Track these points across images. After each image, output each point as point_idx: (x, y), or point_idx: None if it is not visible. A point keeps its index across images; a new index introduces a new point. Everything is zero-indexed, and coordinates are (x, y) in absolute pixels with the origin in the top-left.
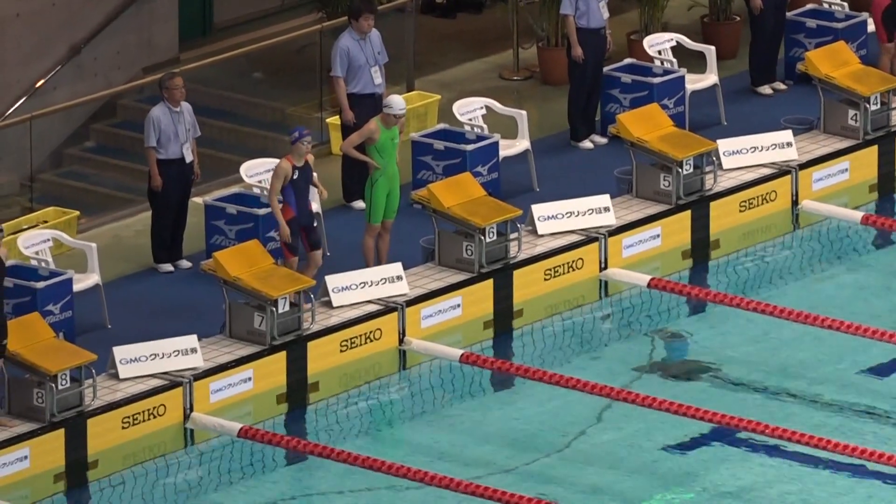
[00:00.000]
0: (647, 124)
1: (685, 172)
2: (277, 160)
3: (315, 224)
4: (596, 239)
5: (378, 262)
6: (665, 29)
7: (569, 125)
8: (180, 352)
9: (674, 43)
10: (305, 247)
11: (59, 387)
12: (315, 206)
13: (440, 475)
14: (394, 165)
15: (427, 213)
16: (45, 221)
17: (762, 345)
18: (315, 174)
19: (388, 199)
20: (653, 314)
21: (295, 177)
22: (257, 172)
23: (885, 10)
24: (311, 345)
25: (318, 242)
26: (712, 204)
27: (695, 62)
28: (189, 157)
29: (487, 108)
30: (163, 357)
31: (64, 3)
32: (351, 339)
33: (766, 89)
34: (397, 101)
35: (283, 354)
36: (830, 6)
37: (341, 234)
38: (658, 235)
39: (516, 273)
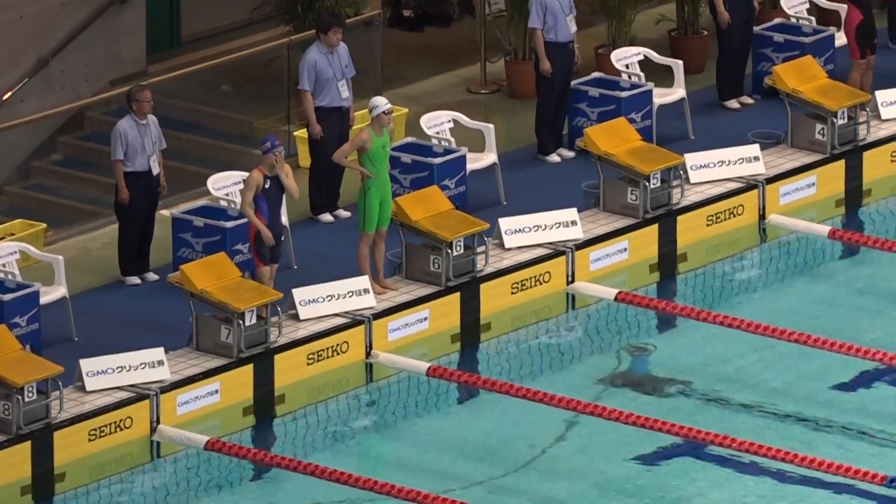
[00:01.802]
0: (614, 138)
1: (652, 186)
2: (245, 173)
3: (283, 238)
4: (563, 252)
5: (375, 271)
6: (633, 43)
7: (536, 139)
8: (147, 364)
9: (641, 57)
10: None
11: (26, 399)
12: (283, 220)
13: (407, 488)
14: (385, 173)
15: (394, 226)
16: (12, 234)
17: (729, 358)
18: (288, 168)
19: (382, 208)
20: (620, 328)
21: (267, 186)
22: (224, 185)
23: (857, 27)
24: (277, 358)
25: (278, 257)
26: (679, 218)
27: (662, 76)
28: (156, 170)
29: (455, 121)
30: (129, 369)
31: (32, 16)
32: (318, 352)
33: (733, 103)
34: (380, 99)
35: (249, 367)
36: (798, 21)
37: (308, 246)
38: (625, 249)
39: (483, 286)
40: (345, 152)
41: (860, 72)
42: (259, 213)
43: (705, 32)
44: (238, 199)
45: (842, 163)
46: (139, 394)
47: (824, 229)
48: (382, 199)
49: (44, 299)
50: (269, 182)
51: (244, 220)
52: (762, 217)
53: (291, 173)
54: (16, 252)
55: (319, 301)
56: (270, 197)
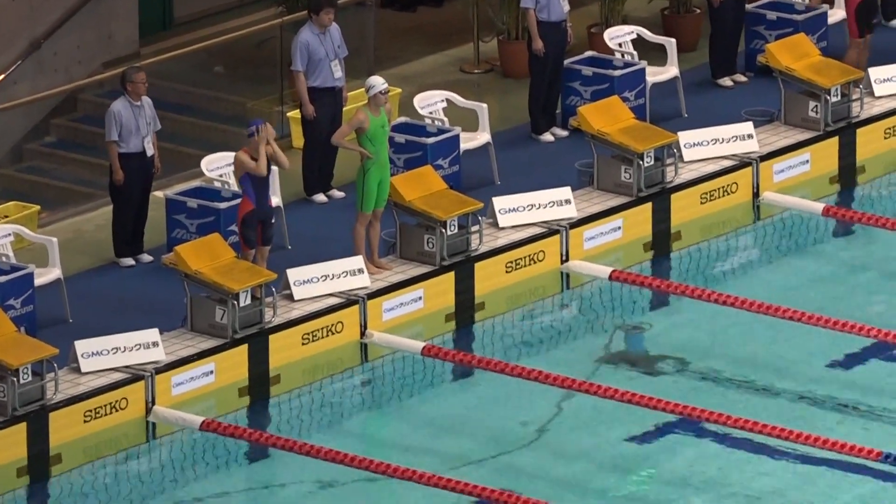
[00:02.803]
0: (607, 117)
1: (646, 165)
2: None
3: (273, 220)
4: (557, 231)
5: (370, 251)
6: (625, 22)
7: (529, 118)
8: (142, 345)
9: (634, 35)
10: (258, 240)
11: (21, 381)
12: (276, 201)
13: (402, 467)
14: (385, 153)
15: (388, 206)
16: (6, 216)
17: (723, 336)
18: (275, 141)
19: (380, 188)
20: (614, 306)
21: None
22: (218, 166)
23: (858, 6)
24: (272, 338)
25: (270, 239)
26: (673, 196)
27: (655, 55)
28: (150, 151)
29: (448, 101)
30: (124, 351)
31: None
32: (312, 332)
33: (726, 81)
34: (377, 79)
35: (244, 348)
36: None
37: (302, 227)
38: (619, 227)
39: (478, 266)
40: (343, 134)
41: (858, 50)
42: (246, 195)
43: (698, 11)
44: (232, 181)
45: (835, 140)
46: (134, 375)
47: (818, 206)
48: (381, 180)
49: (38, 281)
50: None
51: (238, 201)
52: (756, 195)
53: (275, 143)
54: (10, 234)
55: (314, 281)
56: (256, 181)
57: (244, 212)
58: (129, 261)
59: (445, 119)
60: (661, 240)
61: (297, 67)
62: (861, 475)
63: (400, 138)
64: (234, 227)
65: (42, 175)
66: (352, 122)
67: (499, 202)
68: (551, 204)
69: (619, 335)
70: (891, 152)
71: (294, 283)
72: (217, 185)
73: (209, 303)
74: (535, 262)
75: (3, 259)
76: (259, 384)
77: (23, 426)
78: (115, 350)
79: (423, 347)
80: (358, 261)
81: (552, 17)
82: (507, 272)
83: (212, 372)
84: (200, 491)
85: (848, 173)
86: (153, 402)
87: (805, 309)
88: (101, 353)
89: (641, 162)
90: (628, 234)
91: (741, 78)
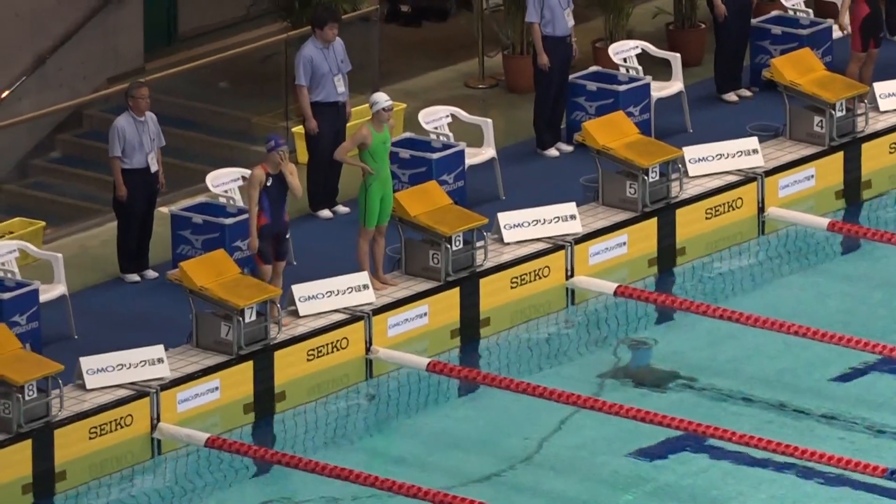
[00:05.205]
0: (612, 132)
1: (651, 180)
2: (242, 169)
3: (288, 236)
4: (562, 247)
5: (374, 267)
6: (630, 36)
7: (534, 133)
8: (147, 362)
9: (639, 50)
10: (272, 256)
11: (26, 398)
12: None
13: (408, 484)
14: (387, 169)
15: (393, 222)
16: (11, 232)
17: (729, 352)
18: (293, 167)
19: (382, 203)
20: (619, 322)
21: (269, 184)
22: (223, 182)
23: (863, 20)
24: (277, 354)
25: (284, 254)
26: (678, 211)
27: (660, 70)
28: (154, 167)
29: (453, 116)
30: (129, 367)
31: (28, 14)
32: (317, 348)
33: (731, 96)
34: (381, 95)
35: (249, 364)
36: (796, 13)
37: (307, 242)
38: (624, 243)
39: (483, 281)
40: (345, 149)
41: (859, 64)
42: (261, 209)
43: (702, 25)
44: (237, 196)
45: (840, 155)
46: (139, 391)
47: (823, 222)
48: (384, 195)
49: (43, 297)
50: (271, 180)
51: (243, 217)
52: (761, 210)
53: (296, 172)
54: (15, 250)
55: (319, 297)
56: (272, 195)
57: (259, 225)
58: (134, 277)
59: (450, 134)
60: (667, 255)
61: (301, 82)
62: (866, 492)
63: (405, 153)
64: (239, 244)
65: (47, 191)
66: (354, 137)
67: (504, 217)
68: (556, 219)
69: (624, 351)
70: None
71: (299, 299)
72: (222, 200)
73: (214, 319)
74: (540, 278)
75: (9, 275)
76: (264, 400)
77: (28, 443)
78: (120, 366)
79: (429, 363)
80: (363, 276)
81: (557, 31)
82: (512, 288)
83: (217, 388)
84: None
85: (853, 188)
86: (158, 419)
87: (810, 324)
88: (106, 370)
89: (646, 177)
90: (633, 250)
91: (746, 93)
